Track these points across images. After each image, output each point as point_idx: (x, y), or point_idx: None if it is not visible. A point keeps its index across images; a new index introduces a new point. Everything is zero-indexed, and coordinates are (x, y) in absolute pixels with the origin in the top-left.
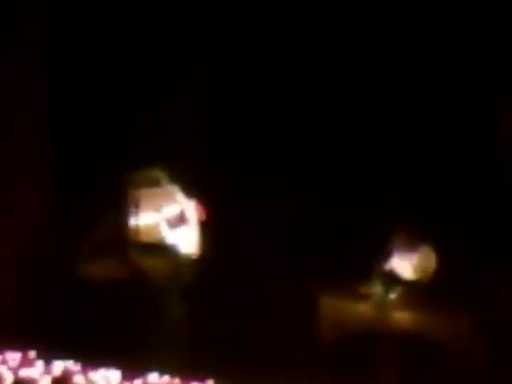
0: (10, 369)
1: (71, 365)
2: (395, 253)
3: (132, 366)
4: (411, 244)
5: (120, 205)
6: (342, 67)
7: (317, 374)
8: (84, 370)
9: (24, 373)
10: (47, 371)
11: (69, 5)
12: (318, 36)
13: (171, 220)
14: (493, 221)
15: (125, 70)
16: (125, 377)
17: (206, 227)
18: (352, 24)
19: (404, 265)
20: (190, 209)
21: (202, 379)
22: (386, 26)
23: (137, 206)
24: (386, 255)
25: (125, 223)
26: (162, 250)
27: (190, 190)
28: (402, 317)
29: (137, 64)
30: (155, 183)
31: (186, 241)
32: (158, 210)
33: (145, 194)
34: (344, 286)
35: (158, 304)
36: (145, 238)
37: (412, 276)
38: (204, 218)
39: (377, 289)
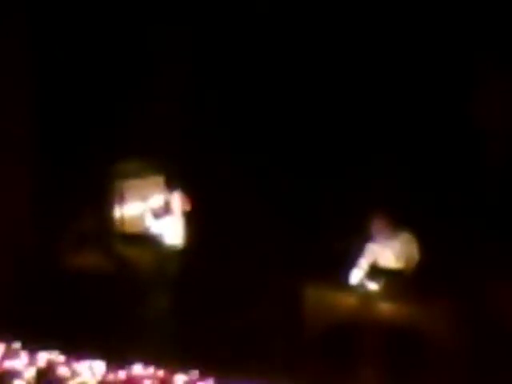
0: None
1: (56, 356)
2: (376, 241)
3: (116, 357)
4: (390, 231)
5: (104, 196)
6: (334, 65)
7: (303, 365)
8: (69, 361)
9: (8, 364)
10: (32, 362)
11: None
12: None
13: (156, 210)
14: (477, 209)
15: (108, 63)
16: (109, 368)
17: (190, 218)
18: (345, 20)
19: (386, 254)
20: (175, 199)
21: (187, 370)
22: (382, 23)
23: (121, 197)
24: (367, 243)
25: (109, 214)
26: (146, 240)
27: (175, 181)
28: (386, 307)
29: (121, 57)
30: (139, 174)
31: (171, 231)
32: (142, 200)
33: (129, 184)
34: (328, 277)
35: (143, 295)
36: (129, 229)
37: (395, 265)
38: (188, 208)
39: (361, 279)
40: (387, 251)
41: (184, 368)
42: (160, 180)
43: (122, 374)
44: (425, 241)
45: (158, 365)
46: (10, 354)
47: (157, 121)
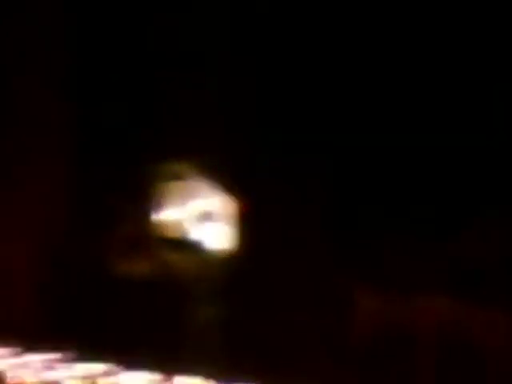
0: (33, 371)
1: (97, 367)
2: None
3: (164, 367)
4: None
5: (146, 199)
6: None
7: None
8: (110, 372)
9: (48, 375)
10: (71, 373)
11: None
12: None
13: (198, 215)
14: None
15: (150, 63)
16: (157, 378)
17: (234, 222)
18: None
19: None
20: (218, 204)
21: (235, 381)
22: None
23: (163, 201)
24: None
25: (150, 218)
26: (189, 245)
27: (219, 184)
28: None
29: (162, 54)
30: (181, 177)
31: (214, 236)
32: (185, 204)
33: (171, 187)
34: (381, 281)
35: (185, 303)
36: (171, 233)
37: None
38: (233, 212)
39: None
40: None
41: (233, 378)
42: (204, 183)
43: None
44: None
45: (207, 375)
46: (50, 365)
47: (201, 121)
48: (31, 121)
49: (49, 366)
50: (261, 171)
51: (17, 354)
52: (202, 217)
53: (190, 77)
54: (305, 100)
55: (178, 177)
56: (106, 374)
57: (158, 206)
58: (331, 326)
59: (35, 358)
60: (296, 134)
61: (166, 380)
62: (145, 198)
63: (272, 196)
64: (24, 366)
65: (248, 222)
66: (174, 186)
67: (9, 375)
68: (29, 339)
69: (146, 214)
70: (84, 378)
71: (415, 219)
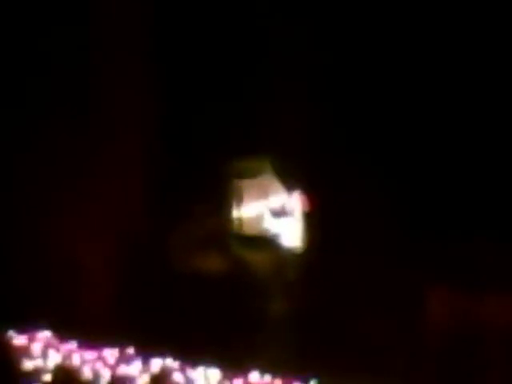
0: (107, 366)
1: (170, 362)
2: None
3: (232, 364)
4: None
5: (222, 196)
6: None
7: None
8: (183, 368)
9: (122, 370)
10: (145, 368)
11: None
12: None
13: (274, 211)
14: None
15: (229, 60)
16: (225, 375)
17: (309, 219)
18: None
19: None
20: (294, 200)
21: (305, 379)
22: None
23: (239, 197)
24: None
25: (226, 214)
26: (264, 242)
27: (294, 181)
28: None
29: (243, 53)
30: (258, 173)
31: (290, 233)
32: (261, 201)
33: (248, 184)
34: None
35: (260, 299)
36: (247, 230)
37: None
38: (308, 209)
39: None
40: None
41: (302, 376)
42: (279, 180)
43: (237, 382)
44: None
45: (276, 373)
46: (123, 359)
47: (277, 119)
48: (111, 121)
49: (123, 361)
50: (334, 169)
51: (92, 349)
52: (276, 213)
53: (269, 77)
54: (381, 100)
55: (253, 174)
56: (179, 369)
57: (234, 203)
58: (403, 323)
59: (110, 353)
60: (370, 134)
61: (238, 377)
62: (221, 195)
63: (346, 193)
64: (99, 360)
65: (321, 219)
66: (250, 184)
67: (84, 370)
68: (104, 335)
69: (222, 212)
70: (157, 373)
71: (490, 220)
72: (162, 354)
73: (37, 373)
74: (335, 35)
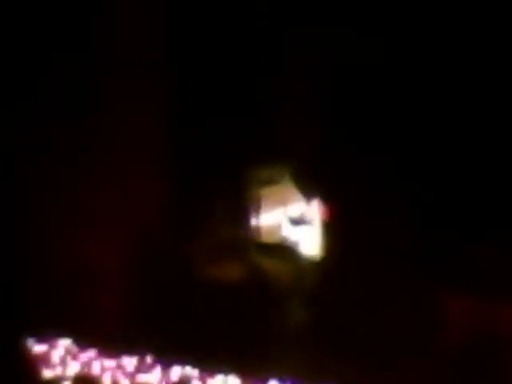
0: (126, 374)
1: (189, 370)
2: None
3: (251, 372)
4: None
5: (241, 204)
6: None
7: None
8: (202, 376)
9: (141, 378)
10: (165, 377)
11: None
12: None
13: (293, 220)
14: None
15: (247, 67)
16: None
17: (329, 228)
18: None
19: None
20: (313, 208)
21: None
22: None
23: (258, 205)
24: None
25: (245, 222)
26: (283, 250)
27: (313, 189)
28: None
29: (260, 61)
30: (277, 181)
31: (309, 241)
32: (279, 209)
33: (267, 192)
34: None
35: (279, 308)
36: (266, 238)
37: None
38: (327, 218)
39: None
40: None
41: (323, 380)
42: (298, 188)
43: None
44: None
45: (295, 381)
46: (143, 367)
47: (298, 126)
48: (132, 123)
49: (143, 369)
50: (354, 177)
51: (111, 357)
52: (295, 221)
53: (287, 82)
54: (399, 106)
55: (272, 182)
56: (198, 377)
57: (254, 210)
58: (420, 329)
59: (129, 361)
60: (391, 145)
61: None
62: (240, 202)
63: (366, 202)
64: (118, 368)
65: (340, 227)
66: (269, 192)
67: (103, 378)
68: (123, 343)
69: (241, 219)
70: (176, 381)
71: (505, 226)
72: (181, 362)
73: (56, 381)
74: (363, 39)
